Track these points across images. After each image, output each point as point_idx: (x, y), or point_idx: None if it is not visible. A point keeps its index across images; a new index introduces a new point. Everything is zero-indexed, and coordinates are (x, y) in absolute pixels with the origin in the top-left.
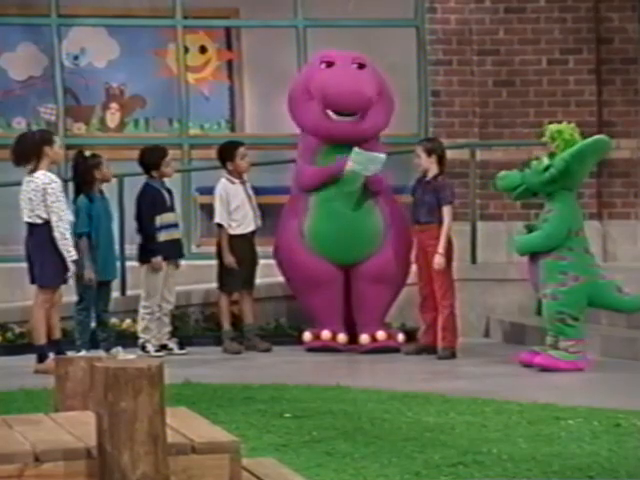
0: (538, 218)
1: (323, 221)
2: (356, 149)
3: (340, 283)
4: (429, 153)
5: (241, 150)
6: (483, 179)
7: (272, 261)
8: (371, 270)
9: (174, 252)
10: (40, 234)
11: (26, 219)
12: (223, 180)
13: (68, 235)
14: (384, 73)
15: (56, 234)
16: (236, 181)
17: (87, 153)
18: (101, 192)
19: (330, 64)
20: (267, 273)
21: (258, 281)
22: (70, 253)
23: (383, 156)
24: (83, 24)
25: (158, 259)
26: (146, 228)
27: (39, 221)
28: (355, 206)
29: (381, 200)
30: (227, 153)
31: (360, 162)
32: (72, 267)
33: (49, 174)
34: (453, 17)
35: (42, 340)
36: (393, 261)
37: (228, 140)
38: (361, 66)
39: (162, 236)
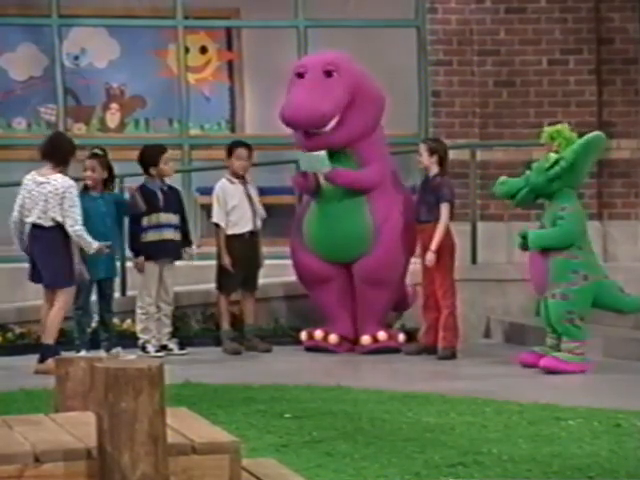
0: (542, 218)
1: (315, 221)
2: (299, 153)
3: (339, 282)
4: (431, 153)
5: (239, 150)
6: (483, 179)
7: (272, 262)
8: (363, 271)
9: (165, 253)
10: (51, 237)
11: (35, 220)
12: (223, 180)
13: (85, 235)
14: (367, 71)
15: (73, 237)
16: (235, 181)
17: (96, 151)
18: (103, 190)
19: (300, 75)
20: (267, 273)
21: (259, 281)
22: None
23: (319, 153)
24: (84, 24)
25: (140, 259)
26: (131, 228)
27: (51, 223)
28: (341, 206)
29: (374, 200)
30: (227, 151)
31: (307, 163)
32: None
33: (67, 178)
34: (454, 17)
35: (52, 340)
36: (384, 261)
37: (233, 140)
38: (329, 73)
39: (149, 236)
